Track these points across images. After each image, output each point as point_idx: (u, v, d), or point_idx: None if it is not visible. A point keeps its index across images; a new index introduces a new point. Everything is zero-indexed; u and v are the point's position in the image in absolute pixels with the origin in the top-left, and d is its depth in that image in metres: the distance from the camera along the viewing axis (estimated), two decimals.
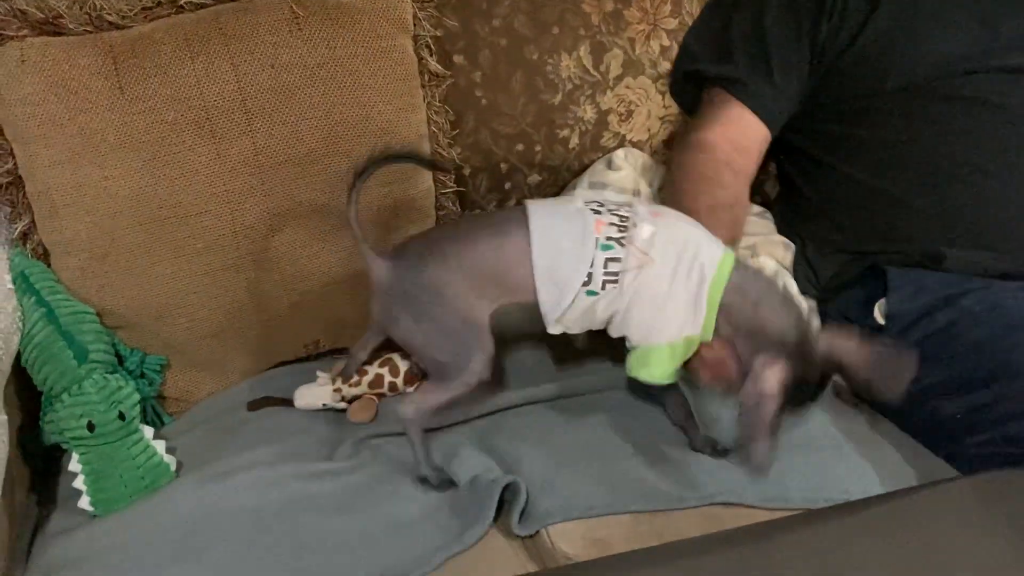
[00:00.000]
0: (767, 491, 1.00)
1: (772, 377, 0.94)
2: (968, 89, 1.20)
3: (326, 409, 1.17)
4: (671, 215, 1.03)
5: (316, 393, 1.17)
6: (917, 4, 1.23)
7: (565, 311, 0.99)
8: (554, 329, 1.02)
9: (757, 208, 1.40)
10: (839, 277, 1.28)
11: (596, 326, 1.03)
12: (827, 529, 0.85)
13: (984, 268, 1.17)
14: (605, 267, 0.97)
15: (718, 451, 1.06)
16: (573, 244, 0.98)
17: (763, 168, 1.46)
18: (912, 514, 0.83)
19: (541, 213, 1.00)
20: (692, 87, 1.37)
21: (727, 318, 0.99)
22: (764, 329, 0.98)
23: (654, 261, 0.97)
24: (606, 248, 0.98)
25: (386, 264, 1.01)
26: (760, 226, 1.36)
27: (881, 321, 1.18)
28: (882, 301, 1.19)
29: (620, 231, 0.98)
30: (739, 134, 1.28)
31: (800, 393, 0.98)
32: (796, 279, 1.28)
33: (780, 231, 1.36)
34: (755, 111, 1.28)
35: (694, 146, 1.27)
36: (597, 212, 1.00)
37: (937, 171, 1.21)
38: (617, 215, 1.00)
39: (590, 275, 0.97)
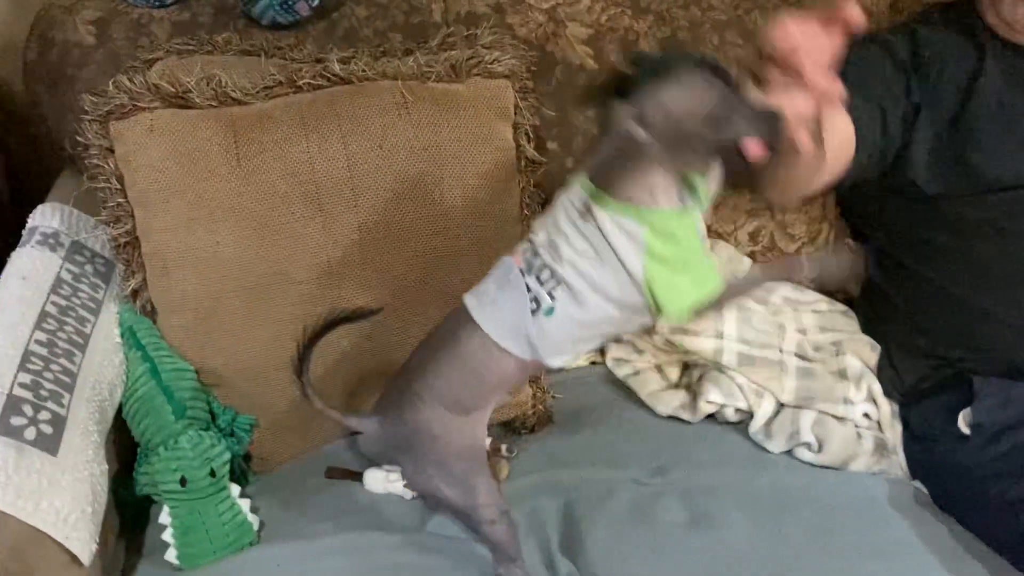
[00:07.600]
0: None
1: None
2: None
3: None
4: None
5: (385, 485, 1.17)
6: (1008, 107, 1.20)
7: (541, 343, 0.94)
8: (556, 362, 0.97)
9: (841, 306, 1.40)
10: (923, 382, 1.27)
11: (602, 326, 0.96)
12: None
13: None
14: (540, 282, 0.93)
15: None
16: (505, 291, 0.95)
17: None
18: None
19: (475, 300, 0.97)
20: None
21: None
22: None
23: (563, 232, 0.93)
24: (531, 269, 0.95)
25: (374, 422, 1.01)
26: (845, 324, 1.36)
27: (966, 430, 1.17)
28: (967, 410, 1.18)
29: (532, 252, 0.95)
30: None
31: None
32: (880, 381, 1.28)
33: (864, 331, 1.36)
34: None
35: None
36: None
37: (1022, 285, 1.20)
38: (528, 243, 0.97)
39: (535, 299, 0.93)
